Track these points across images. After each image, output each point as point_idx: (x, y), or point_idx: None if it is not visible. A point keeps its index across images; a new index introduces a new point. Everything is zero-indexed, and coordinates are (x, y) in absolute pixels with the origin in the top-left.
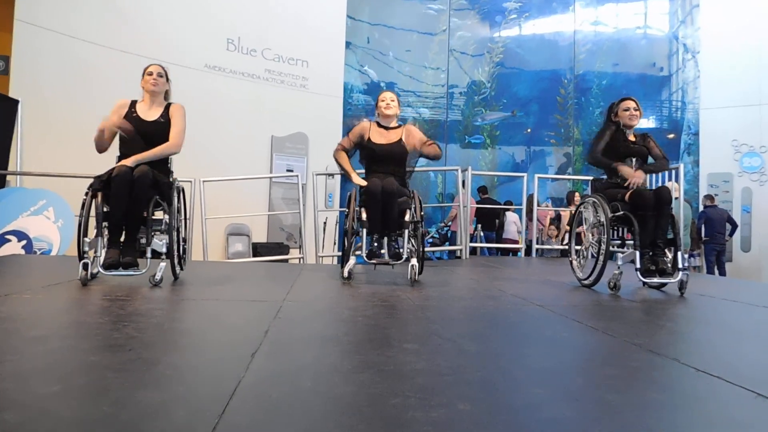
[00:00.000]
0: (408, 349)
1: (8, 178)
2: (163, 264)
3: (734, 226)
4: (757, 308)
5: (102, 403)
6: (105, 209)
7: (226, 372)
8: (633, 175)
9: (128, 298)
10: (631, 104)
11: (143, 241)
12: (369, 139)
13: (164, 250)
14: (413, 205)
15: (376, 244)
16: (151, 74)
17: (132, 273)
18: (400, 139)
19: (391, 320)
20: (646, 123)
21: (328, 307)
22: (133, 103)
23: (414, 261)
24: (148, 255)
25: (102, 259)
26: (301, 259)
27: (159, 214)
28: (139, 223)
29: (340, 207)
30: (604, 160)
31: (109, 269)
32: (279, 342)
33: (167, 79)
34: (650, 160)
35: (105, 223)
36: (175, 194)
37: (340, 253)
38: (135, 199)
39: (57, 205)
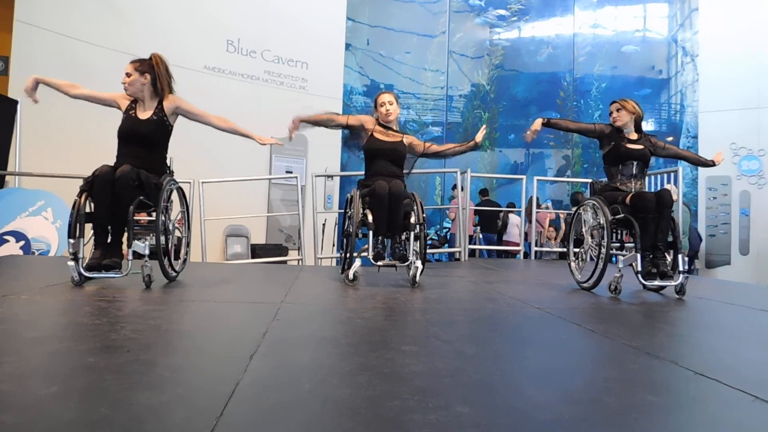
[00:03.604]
0: (406, 351)
1: (7, 178)
2: (146, 265)
3: (699, 239)
4: (755, 311)
5: (100, 405)
6: (88, 210)
7: (224, 374)
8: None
9: (126, 300)
10: (613, 106)
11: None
12: (372, 135)
13: (146, 252)
14: (416, 207)
15: (380, 246)
16: (126, 75)
17: (113, 275)
18: (402, 141)
19: (390, 322)
20: (645, 126)
21: (327, 308)
22: (135, 100)
23: (419, 263)
24: (129, 257)
25: (87, 259)
26: (300, 261)
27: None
28: (123, 224)
29: (339, 209)
30: (561, 125)
31: (91, 271)
32: (277, 344)
33: (143, 72)
34: (651, 162)
35: (88, 225)
36: (173, 195)
37: (339, 255)
38: (116, 199)
39: (55, 205)
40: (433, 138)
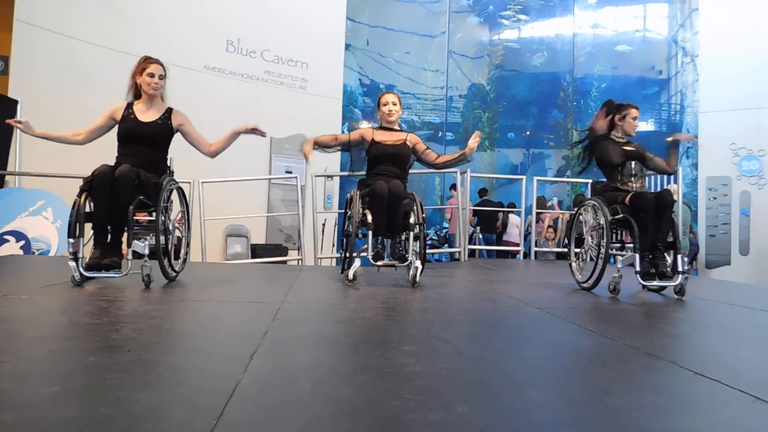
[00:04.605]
0: (407, 351)
1: (7, 178)
2: (145, 265)
3: (697, 247)
4: (755, 311)
5: (100, 404)
6: (87, 210)
7: (224, 373)
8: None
9: (126, 299)
10: (636, 112)
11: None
12: (373, 139)
13: (146, 252)
14: (415, 207)
15: (380, 246)
16: (152, 75)
17: (112, 275)
18: (405, 142)
19: (390, 322)
20: (645, 126)
21: (327, 308)
22: (129, 105)
23: (418, 263)
24: (129, 256)
25: (87, 259)
26: (300, 261)
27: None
28: (122, 223)
29: (339, 209)
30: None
31: (90, 270)
32: (277, 343)
33: (166, 77)
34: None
35: (88, 224)
36: (173, 194)
37: (339, 255)
38: (116, 198)
39: (55, 205)
40: (430, 138)
